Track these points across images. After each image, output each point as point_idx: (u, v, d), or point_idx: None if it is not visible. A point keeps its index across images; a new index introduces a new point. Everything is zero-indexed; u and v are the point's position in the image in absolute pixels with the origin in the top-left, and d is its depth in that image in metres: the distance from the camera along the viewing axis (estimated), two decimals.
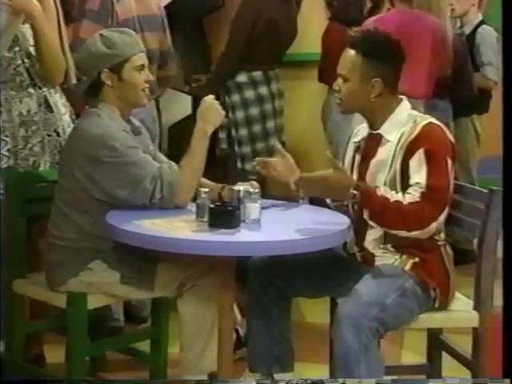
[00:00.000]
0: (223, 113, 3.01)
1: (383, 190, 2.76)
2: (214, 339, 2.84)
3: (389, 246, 2.82)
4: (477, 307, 2.87)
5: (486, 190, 2.85)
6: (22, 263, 3.16)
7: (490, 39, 5.09)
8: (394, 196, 2.74)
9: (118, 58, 2.92)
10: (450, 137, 2.84)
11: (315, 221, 2.80)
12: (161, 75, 3.97)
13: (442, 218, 2.77)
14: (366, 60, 2.79)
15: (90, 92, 3.00)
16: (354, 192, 2.71)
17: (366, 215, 2.76)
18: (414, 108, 2.94)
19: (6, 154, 3.22)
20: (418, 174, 2.73)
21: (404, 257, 2.81)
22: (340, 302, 2.75)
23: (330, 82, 4.35)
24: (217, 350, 2.81)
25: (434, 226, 2.75)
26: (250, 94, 4.47)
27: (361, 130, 2.98)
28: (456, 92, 4.73)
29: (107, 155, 2.83)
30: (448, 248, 2.90)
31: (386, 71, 2.81)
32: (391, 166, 2.80)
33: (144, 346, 3.31)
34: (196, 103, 4.77)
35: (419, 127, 2.78)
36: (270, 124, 4.53)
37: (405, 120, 2.83)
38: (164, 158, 3.12)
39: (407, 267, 2.80)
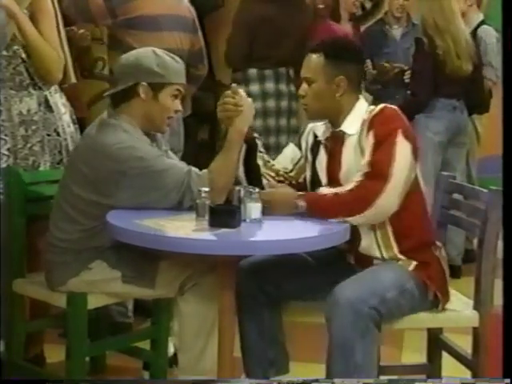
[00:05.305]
0: (253, 106, 2.93)
1: (323, 190, 2.82)
2: (215, 339, 2.83)
3: (395, 249, 2.83)
4: (477, 307, 2.87)
5: (486, 190, 2.86)
6: (21, 263, 3.15)
7: (489, 39, 5.09)
8: (333, 190, 2.78)
9: (162, 79, 2.89)
10: (405, 119, 2.84)
11: (315, 220, 2.80)
12: (195, 74, 4.05)
13: (393, 192, 2.70)
14: (329, 60, 2.85)
15: (116, 99, 2.94)
16: (301, 203, 2.77)
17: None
18: None
19: (6, 153, 3.21)
20: (366, 155, 2.76)
21: (407, 258, 2.82)
22: (339, 286, 2.68)
23: None
24: (217, 350, 2.80)
25: (384, 202, 2.71)
26: (254, 88, 4.54)
27: (313, 130, 3.00)
28: (469, 92, 4.71)
29: (134, 167, 2.77)
30: (443, 251, 2.92)
31: (349, 69, 2.86)
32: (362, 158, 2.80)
33: (144, 345, 3.32)
34: (196, 102, 4.76)
35: (373, 113, 2.82)
36: (272, 122, 4.55)
37: (363, 113, 2.86)
38: (175, 158, 3.08)
39: (410, 268, 2.80)
